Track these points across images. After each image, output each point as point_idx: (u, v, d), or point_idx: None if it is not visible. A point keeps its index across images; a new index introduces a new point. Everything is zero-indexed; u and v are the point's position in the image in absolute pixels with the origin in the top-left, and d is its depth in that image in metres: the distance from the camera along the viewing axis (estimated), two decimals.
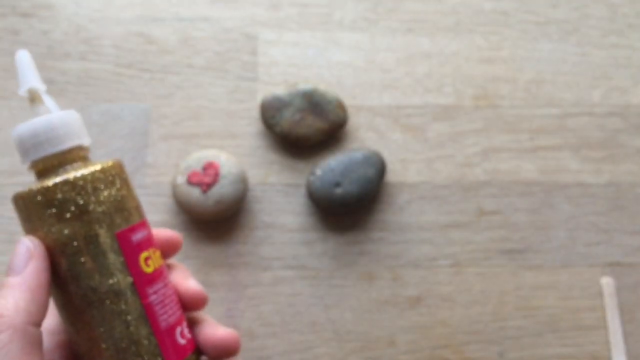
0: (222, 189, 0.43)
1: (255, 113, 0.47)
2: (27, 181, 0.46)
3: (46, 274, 0.24)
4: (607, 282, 0.45)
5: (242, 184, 0.44)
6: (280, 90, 0.46)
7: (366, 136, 0.48)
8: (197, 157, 0.44)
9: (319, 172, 0.44)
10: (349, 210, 0.45)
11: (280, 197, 0.46)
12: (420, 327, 0.44)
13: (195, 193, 0.43)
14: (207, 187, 0.43)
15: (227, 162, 0.44)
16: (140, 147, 0.47)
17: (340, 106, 0.46)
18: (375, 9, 0.50)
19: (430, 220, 0.46)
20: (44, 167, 0.25)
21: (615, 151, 0.48)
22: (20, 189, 0.45)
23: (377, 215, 0.46)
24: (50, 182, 0.24)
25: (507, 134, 0.48)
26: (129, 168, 0.46)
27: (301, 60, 0.49)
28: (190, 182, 0.43)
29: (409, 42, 0.49)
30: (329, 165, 0.44)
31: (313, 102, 0.46)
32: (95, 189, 0.24)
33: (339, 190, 0.44)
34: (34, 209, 0.24)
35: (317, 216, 0.46)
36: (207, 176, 0.43)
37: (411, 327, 0.44)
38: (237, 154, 0.47)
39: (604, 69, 0.49)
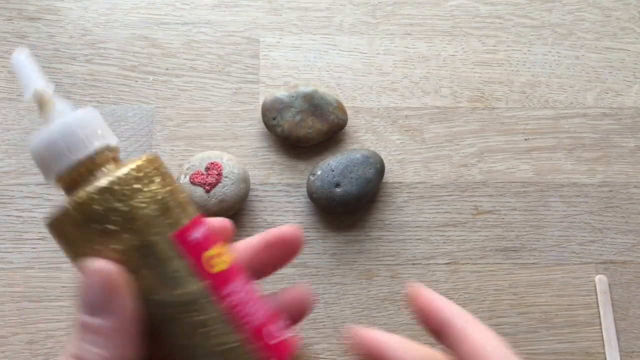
0: (225, 189, 0.44)
1: (257, 115, 0.48)
2: (34, 181, 0.47)
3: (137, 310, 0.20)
4: (600, 280, 0.46)
5: (244, 183, 0.45)
6: (281, 92, 0.47)
7: (365, 137, 0.48)
8: (200, 158, 0.45)
9: (319, 172, 0.45)
10: (349, 210, 0.46)
11: (281, 196, 0.47)
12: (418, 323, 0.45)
13: (198, 193, 0.44)
14: (210, 187, 0.44)
15: (229, 162, 0.45)
16: (145, 148, 0.48)
17: (340, 108, 0.47)
18: (373, 13, 0.51)
19: (427, 220, 0.47)
20: (72, 179, 0.21)
21: (609, 152, 0.49)
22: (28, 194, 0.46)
23: (376, 215, 0.47)
24: (82, 194, 0.20)
25: (503, 135, 0.49)
26: None
27: (302, 63, 0.50)
28: (193, 182, 0.44)
29: (406, 45, 0.50)
30: (329, 166, 0.45)
31: (313, 104, 0.47)
32: (135, 191, 0.21)
33: (338, 190, 0.45)
34: (72, 231, 0.21)
35: (317, 215, 0.47)
36: (210, 176, 0.44)
37: (409, 323, 0.45)
38: (239, 155, 0.48)
39: (597, 71, 0.50)
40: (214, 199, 0.44)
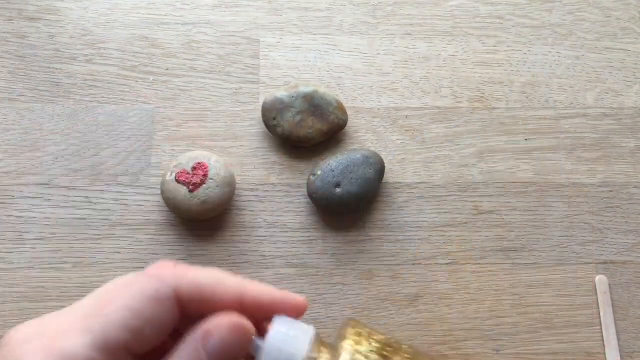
0: (208, 190, 0.44)
1: (257, 115, 0.48)
2: (34, 181, 0.47)
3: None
4: (600, 280, 0.46)
5: (229, 187, 0.44)
6: (281, 92, 0.47)
7: (365, 137, 0.48)
8: (188, 157, 0.45)
9: (319, 172, 0.45)
10: (349, 210, 0.46)
11: (281, 196, 0.47)
12: (418, 323, 0.45)
13: (182, 191, 0.44)
14: (194, 187, 0.44)
15: (216, 164, 0.44)
16: (145, 147, 0.48)
17: (340, 108, 0.47)
18: (373, 13, 0.51)
19: (427, 220, 0.47)
20: None
21: (609, 152, 0.49)
22: (31, 197, 0.46)
23: (376, 215, 0.47)
24: None
25: (503, 135, 0.49)
26: (134, 169, 0.47)
27: (302, 63, 0.50)
28: (178, 180, 0.44)
29: (406, 45, 0.50)
30: (329, 166, 0.45)
31: (313, 104, 0.47)
32: None
33: (338, 190, 0.45)
34: None
35: (317, 215, 0.47)
36: (195, 176, 0.44)
37: (409, 323, 0.45)
38: (239, 155, 0.48)
39: (597, 71, 0.50)
40: (196, 199, 0.43)
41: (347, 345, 0.23)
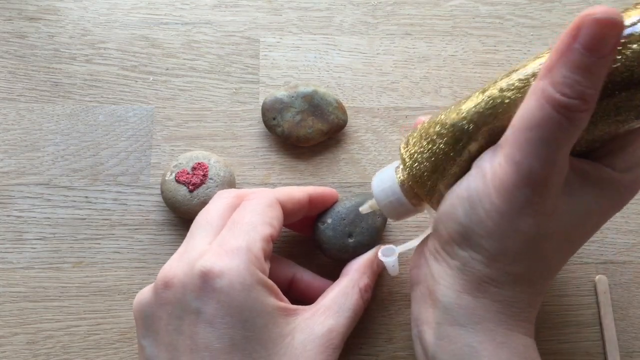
0: (208, 191, 0.44)
1: (257, 115, 0.48)
2: (34, 181, 0.47)
3: None
4: (600, 280, 0.46)
5: (229, 187, 0.44)
6: (281, 92, 0.47)
7: (365, 137, 0.49)
8: (188, 157, 0.45)
9: (329, 220, 0.43)
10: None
11: None
12: None
13: (181, 191, 0.44)
14: (193, 187, 0.44)
15: (216, 164, 0.45)
16: (145, 148, 0.48)
17: (340, 108, 0.47)
18: (373, 13, 0.51)
19: (427, 219, 0.47)
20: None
21: None
22: (25, 188, 0.46)
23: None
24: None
25: None
26: (134, 169, 0.47)
27: (302, 63, 0.50)
28: (178, 180, 0.44)
29: (406, 45, 0.51)
30: (339, 214, 0.43)
31: (313, 104, 0.47)
32: None
33: (351, 241, 0.42)
34: None
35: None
36: (195, 176, 0.44)
37: (409, 323, 0.45)
38: (239, 155, 0.48)
39: None
40: (196, 200, 0.44)
41: (401, 151, 0.36)
